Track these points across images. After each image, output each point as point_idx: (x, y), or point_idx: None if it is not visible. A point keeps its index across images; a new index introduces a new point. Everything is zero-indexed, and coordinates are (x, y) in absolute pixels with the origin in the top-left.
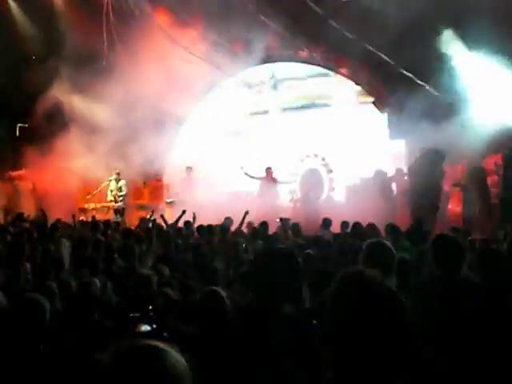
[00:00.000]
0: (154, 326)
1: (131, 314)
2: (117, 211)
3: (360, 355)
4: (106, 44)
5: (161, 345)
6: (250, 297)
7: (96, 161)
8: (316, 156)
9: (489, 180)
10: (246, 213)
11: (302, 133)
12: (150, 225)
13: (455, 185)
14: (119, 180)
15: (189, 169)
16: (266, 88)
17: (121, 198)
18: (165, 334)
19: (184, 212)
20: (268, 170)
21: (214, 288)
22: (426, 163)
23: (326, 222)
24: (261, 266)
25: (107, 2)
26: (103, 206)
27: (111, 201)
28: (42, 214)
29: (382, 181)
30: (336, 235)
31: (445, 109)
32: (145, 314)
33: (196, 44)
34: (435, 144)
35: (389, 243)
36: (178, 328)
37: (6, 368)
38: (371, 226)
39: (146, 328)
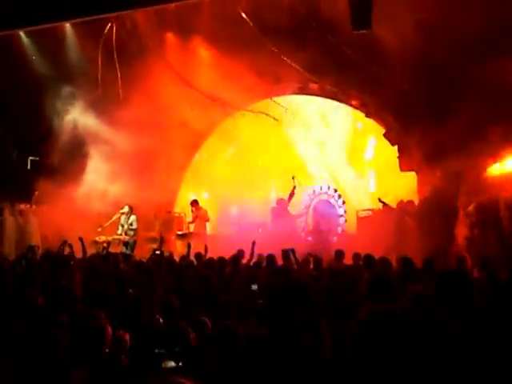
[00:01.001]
0: (180, 363)
1: (156, 350)
2: (126, 244)
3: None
4: (100, 76)
5: (186, 381)
6: (265, 329)
7: (107, 192)
8: (328, 188)
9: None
10: (254, 243)
11: (314, 162)
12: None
13: (467, 216)
14: (131, 215)
15: (194, 202)
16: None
17: (132, 233)
18: (189, 370)
19: (189, 245)
20: (280, 201)
21: (229, 324)
22: (439, 181)
23: (339, 254)
24: (275, 299)
25: (112, 30)
26: (114, 239)
27: (121, 234)
28: (63, 246)
29: (401, 212)
30: (348, 267)
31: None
32: (170, 350)
33: (203, 77)
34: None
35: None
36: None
37: None
38: (383, 259)
39: (171, 364)
